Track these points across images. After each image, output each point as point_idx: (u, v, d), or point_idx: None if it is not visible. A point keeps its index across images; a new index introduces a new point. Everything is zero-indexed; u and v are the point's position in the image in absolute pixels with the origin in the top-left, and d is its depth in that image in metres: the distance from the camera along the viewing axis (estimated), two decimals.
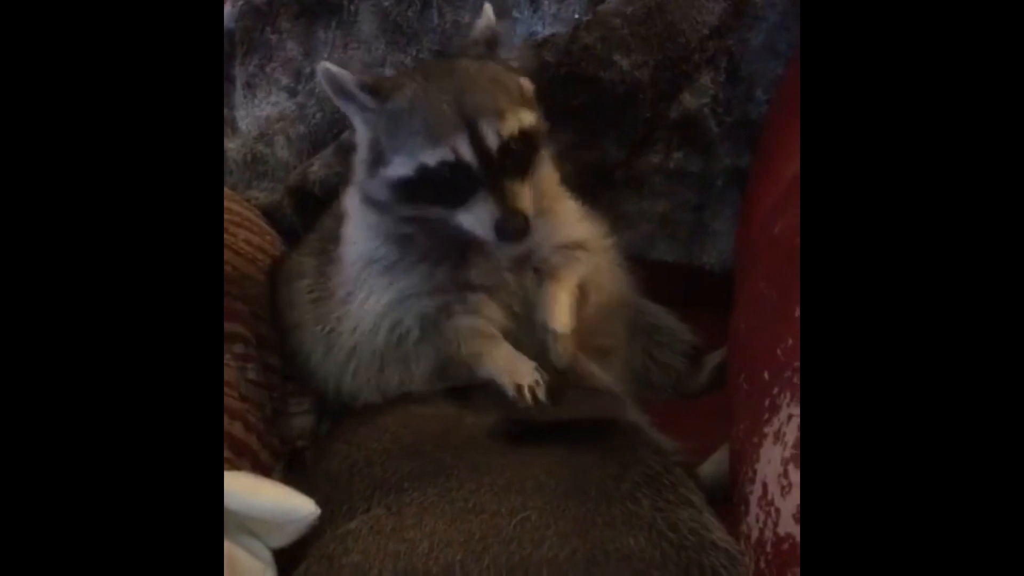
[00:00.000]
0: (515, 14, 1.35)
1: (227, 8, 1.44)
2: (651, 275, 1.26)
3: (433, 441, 0.95)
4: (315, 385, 1.16)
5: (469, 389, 1.04)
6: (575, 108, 1.30)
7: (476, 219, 0.98)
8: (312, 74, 1.40)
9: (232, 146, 1.40)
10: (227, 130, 1.42)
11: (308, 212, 1.31)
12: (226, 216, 1.20)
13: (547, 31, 1.32)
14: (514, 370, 1.00)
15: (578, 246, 1.10)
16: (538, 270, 1.08)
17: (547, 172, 1.10)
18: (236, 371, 1.05)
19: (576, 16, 1.32)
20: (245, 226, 1.23)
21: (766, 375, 0.89)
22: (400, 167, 1.00)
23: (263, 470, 1.00)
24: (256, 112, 1.41)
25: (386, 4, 1.38)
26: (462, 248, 1.04)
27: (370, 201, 1.06)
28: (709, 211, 1.38)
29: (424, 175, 0.99)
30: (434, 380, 1.07)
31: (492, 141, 0.97)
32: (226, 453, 0.95)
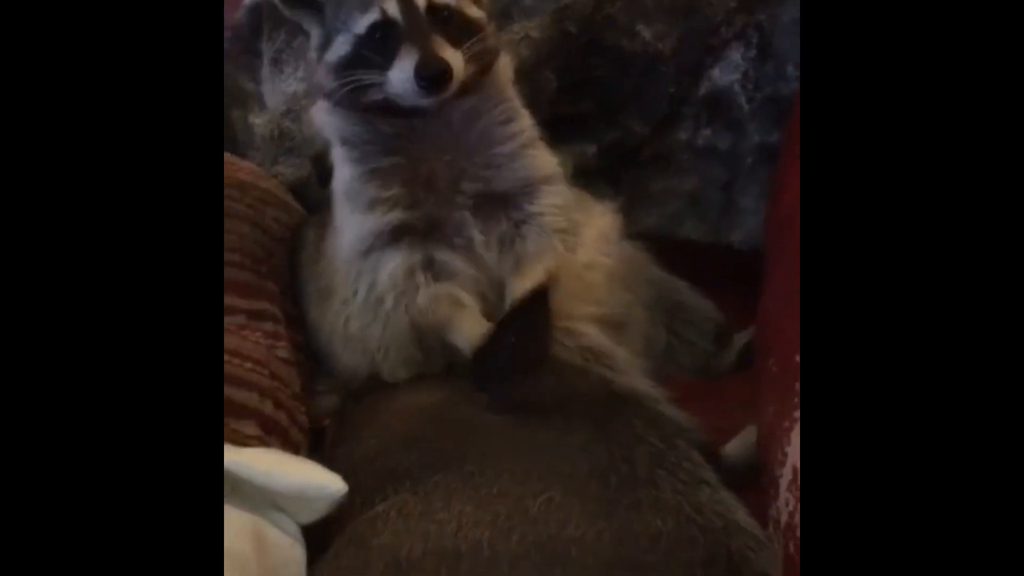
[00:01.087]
0: None
1: None
2: (678, 254, 1.25)
3: (429, 429, 0.96)
4: (322, 352, 1.16)
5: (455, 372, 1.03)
6: (596, 79, 1.29)
7: (400, 72, 1.00)
8: None
9: (259, 122, 1.40)
10: (254, 106, 1.42)
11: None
12: (253, 193, 1.20)
13: None
14: (478, 337, 1.01)
15: (544, 181, 1.10)
16: (511, 247, 1.08)
17: (507, 85, 1.11)
18: (266, 349, 1.05)
19: None
20: (272, 203, 1.23)
21: (797, 358, 0.89)
22: (340, 47, 1.04)
23: (293, 448, 1.01)
24: (283, 88, 1.40)
25: None
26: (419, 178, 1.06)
27: (327, 101, 1.09)
28: (738, 189, 1.37)
29: (359, 46, 1.03)
30: (409, 346, 1.07)
31: (420, 1, 1.00)
32: (256, 431, 0.96)
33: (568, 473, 0.87)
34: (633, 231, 1.23)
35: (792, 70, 1.31)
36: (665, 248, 1.24)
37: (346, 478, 0.87)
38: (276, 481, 0.82)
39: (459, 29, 1.02)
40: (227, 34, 1.42)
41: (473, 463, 0.89)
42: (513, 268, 1.07)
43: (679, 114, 1.35)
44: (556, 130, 1.14)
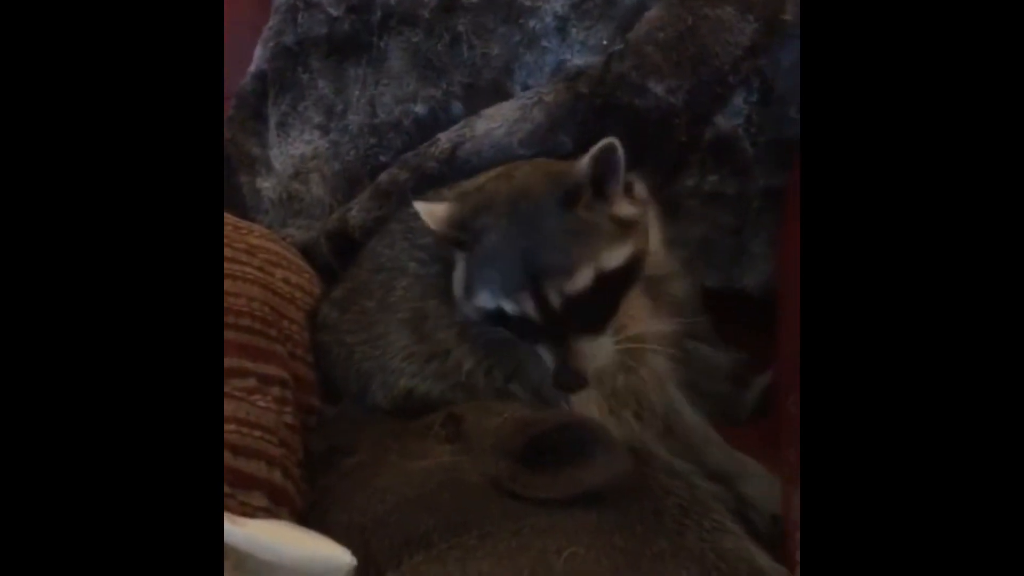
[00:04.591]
0: (544, 43, 1.34)
1: (258, 50, 1.45)
2: None
3: (443, 492, 0.93)
4: None
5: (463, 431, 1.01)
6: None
7: (542, 358, 1.02)
8: (344, 112, 1.41)
9: (267, 185, 1.41)
10: (262, 169, 1.43)
11: (345, 254, 1.31)
12: (263, 255, 1.20)
13: (577, 60, 1.31)
14: None
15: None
16: None
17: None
18: (275, 415, 1.04)
19: (604, 43, 1.31)
20: (283, 265, 1.24)
21: None
22: (484, 301, 1.04)
23: (300, 518, 0.99)
24: (290, 151, 1.41)
25: (415, 40, 1.38)
26: None
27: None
28: (748, 233, 1.36)
29: (503, 313, 1.02)
30: None
31: (555, 301, 0.98)
32: (265, 502, 0.95)
33: (593, 527, 0.85)
34: None
35: (794, 112, 1.31)
36: None
37: (354, 547, 0.84)
38: (283, 554, 0.80)
39: (606, 305, 1.02)
40: (232, 101, 1.44)
41: (493, 523, 0.87)
42: None
43: (686, 161, 1.35)
44: None
